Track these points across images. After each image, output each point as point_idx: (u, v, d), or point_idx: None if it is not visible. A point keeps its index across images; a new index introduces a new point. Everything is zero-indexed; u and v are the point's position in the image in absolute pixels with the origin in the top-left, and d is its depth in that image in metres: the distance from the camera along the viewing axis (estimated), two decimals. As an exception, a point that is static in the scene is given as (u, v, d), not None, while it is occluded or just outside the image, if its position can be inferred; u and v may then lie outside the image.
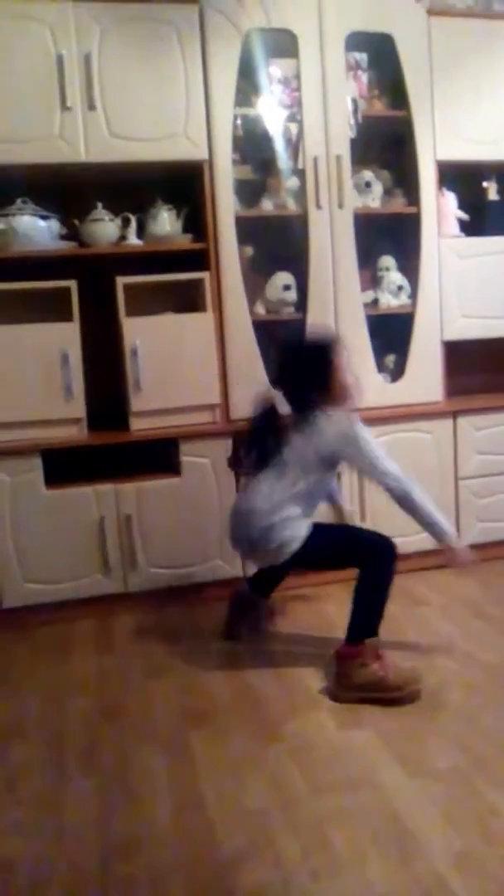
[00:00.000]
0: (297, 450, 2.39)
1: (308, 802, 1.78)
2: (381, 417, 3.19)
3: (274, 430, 2.46)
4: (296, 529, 2.36)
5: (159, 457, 3.11)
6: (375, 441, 2.39)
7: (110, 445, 3.02)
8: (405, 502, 2.36)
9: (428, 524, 2.37)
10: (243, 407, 3.09)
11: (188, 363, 3.01)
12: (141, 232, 3.07)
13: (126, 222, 3.03)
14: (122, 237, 3.04)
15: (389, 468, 2.35)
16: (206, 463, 3.04)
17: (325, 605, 2.95)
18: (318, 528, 2.41)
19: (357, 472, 2.44)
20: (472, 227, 3.39)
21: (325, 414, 2.38)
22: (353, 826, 1.68)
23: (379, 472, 2.35)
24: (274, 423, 2.47)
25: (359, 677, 2.24)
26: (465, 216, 3.38)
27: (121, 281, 2.94)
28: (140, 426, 3.01)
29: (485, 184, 3.43)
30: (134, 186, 3.07)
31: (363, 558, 2.35)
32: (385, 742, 2.01)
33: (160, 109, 2.92)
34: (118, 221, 3.03)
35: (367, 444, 2.35)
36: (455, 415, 3.27)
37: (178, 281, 3.05)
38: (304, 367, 2.46)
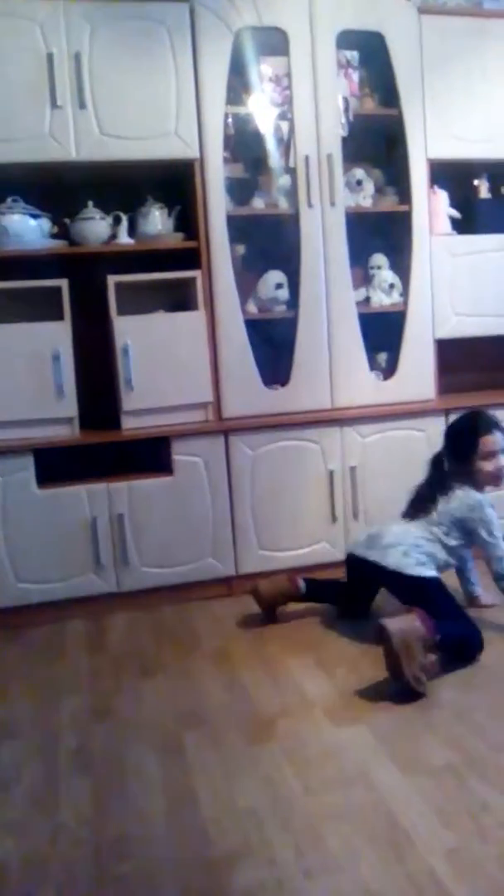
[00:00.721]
0: (438, 508, 2.61)
1: (302, 801, 1.77)
2: (374, 415, 3.20)
3: (436, 483, 2.67)
4: (428, 562, 2.53)
5: (152, 456, 3.10)
6: (498, 522, 2.57)
7: (102, 444, 3.01)
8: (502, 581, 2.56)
9: None
10: (235, 405, 3.10)
11: (180, 362, 3.01)
12: (132, 231, 3.06)
13: (117, 221, 3.02)
14: (113, 236, 3.03)
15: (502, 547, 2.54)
16: (198, 462, 3.04)
17: (320, 607, 2.94)
18: (442, 584, 2.54)
19: (477, 542, 2.59)
20: (464, 225, 3.39)
21: (461, 487, 2.59)
22: (346, 824, 1.68)
23: (492, 545, 2.53)
24: (438, 475, 2.69)
25: (410, 644, 2.18)
26: (457, 214, 3.38)
27: (112, 280, 2.93)
28: (132, 425, 3.00)
29: (476, 182, 3.44)
30: (125, 185, 3.06)
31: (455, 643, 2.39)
32: (379, 740, 2.01)
33: (151, 108, 2.91)
34: (109, 220, 3.02)
35: (490, 517, 2.55)
36: (447, 412, 3.26)
37: (170, 280, 3.04)
38: (451, 437, 2.72)
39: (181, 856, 1.61)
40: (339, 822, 1.68)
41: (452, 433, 2.74)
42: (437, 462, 2.71)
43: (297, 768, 1.90)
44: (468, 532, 2.57)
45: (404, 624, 2.22)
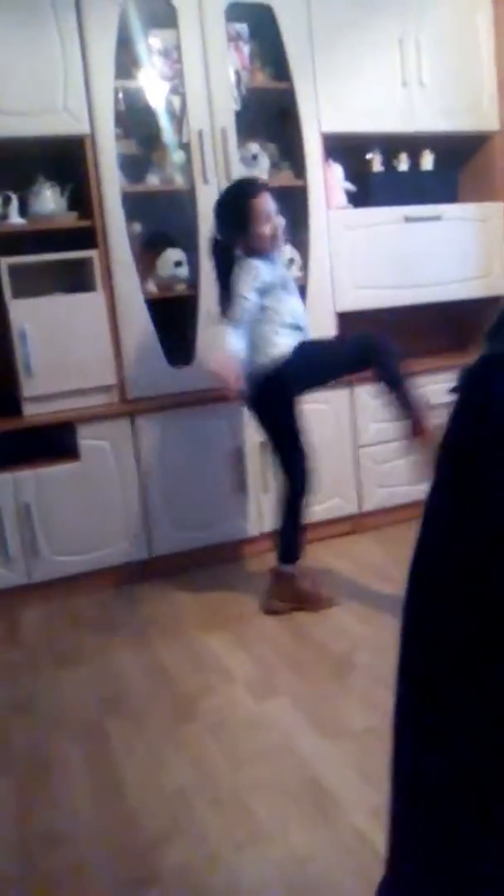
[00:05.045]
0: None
1: (228, 776, 1.79)
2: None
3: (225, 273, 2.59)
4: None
5: (56, 442, 3.02)
6: (250, 285, 2.46)
7: (3, 433, 2.91)
8: None
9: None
10: (141, 386, 3.05)
11: (81, 344, 2.93)
12: (23, 210, 2.95)
13: (7, 200, 2.90)
14: (3, 216, 2.91)
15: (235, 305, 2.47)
16: (105, 445, 2.98)
17: (232, 581, 2.96)
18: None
19: None
20: (358, 199, 3.43)
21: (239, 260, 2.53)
22: (273, 794, 1.70)
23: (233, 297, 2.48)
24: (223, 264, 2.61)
25: (292, 590, 2.65)
26: (352, 187, 3.41)
27: (4, 261, 2.82)
28: (34, 411, 2.92)
29: (369, 155, 3.48)
30: (13, 163, 2.94)
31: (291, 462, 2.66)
32: (299, 708, 2.04)
33: (37, 83, 2.79)
34: (-2, 200, 2.90)
35: (246, 273, 2.47)
36: (351, 385, 3.33)
37: (66, 260, 2.95)
38: (222, 209, 2.60)
39: (111, 844, 1.60)
40: (265, 793, 1.71)
41: (222, 205, 2.60)
42: (216, 251, 2.64)
43: (221, 745, 1.92)
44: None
45: (274, 594, 2.68)
